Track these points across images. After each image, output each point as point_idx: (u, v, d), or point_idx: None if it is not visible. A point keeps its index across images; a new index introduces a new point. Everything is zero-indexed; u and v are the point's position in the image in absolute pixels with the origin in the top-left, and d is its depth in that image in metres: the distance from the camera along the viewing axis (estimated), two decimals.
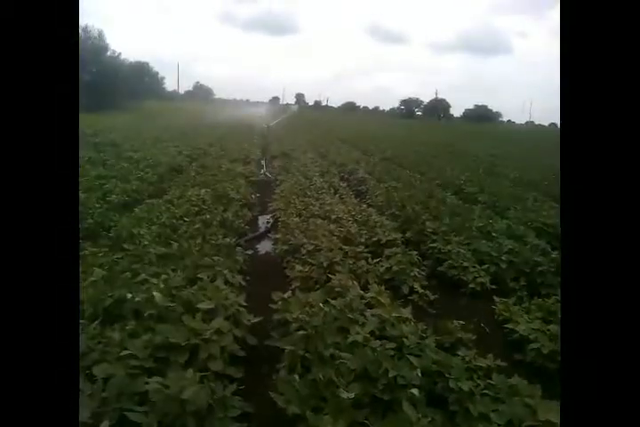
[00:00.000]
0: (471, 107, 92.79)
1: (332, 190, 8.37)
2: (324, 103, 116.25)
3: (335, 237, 5.22)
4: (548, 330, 3.29)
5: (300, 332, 2.96)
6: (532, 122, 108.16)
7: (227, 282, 3.85)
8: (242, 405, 2.48)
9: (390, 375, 2.46)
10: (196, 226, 5.32)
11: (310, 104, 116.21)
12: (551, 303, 3.78)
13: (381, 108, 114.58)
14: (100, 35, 36.49)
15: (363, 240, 5.40)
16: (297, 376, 2.54)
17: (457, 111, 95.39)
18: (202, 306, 3.16)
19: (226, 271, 4.02)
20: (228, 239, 5.00)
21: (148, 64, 54.83)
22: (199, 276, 3.84)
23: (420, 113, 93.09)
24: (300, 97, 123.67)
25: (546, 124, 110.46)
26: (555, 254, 4.87)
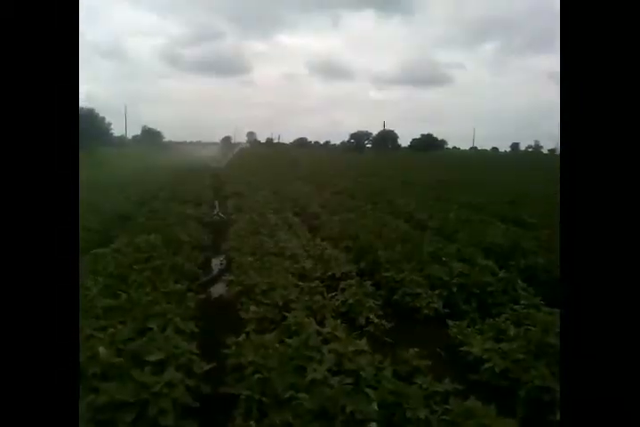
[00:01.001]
0: (418, 136, 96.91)
1: (286, 226, 8.40)
2: (275, 140, 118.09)
3: (290, 274, 5.21)
4: (499, 348, 3.38)
5: (256, 375, 2.90)
6: (476, 147, 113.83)
7: (178, 330, 3.73)
8: None
9: (348, 411, 2.45)
10: (146, 273, 5.18)
11: (262, 142, 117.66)
12: (502, 322, 3.90)
13: (332, 142, 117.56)
14: None
15: (318, 275, 5.41)
16: (253, 423, 2.47)
17: (405, 141, 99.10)
18: (151, 358, 3.05)
19: (177, 319, 3.91)
20: (179, 285, 4.89)
21: (93, 110, 54.10)
22: (149, 326, 3.71)
23: (369, 145, 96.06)
24: (251, 135, 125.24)
25: (488, 148, 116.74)
26: (502, 273, 5.07)
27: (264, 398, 2.70)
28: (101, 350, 3.02)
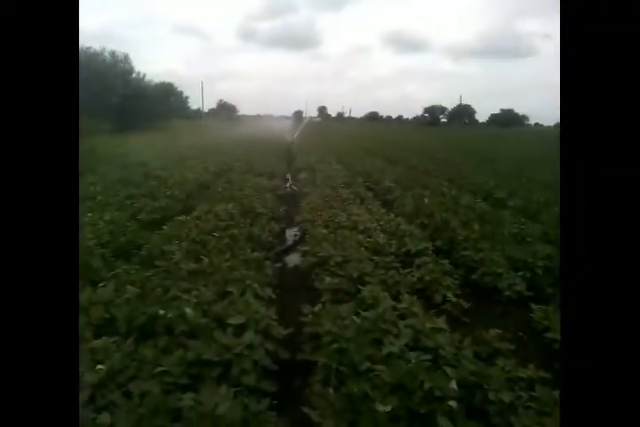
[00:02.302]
0: (497, 111, 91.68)
1: (359, 201, 8.34)
2: (346, 114, 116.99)
3: (364, 248, 5.18)
4: None
5: (333, 345, 2.94)
6: None
7: (256, 295, 3.86)
8: (276, 420, 2.46)
9: (426, 387, 2.41)
10: (225, 241, 5.39)
11: (333, 116, 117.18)
12: None
13: (405, 117, 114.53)
14: (126, 58, 37.83)
15: (392, 250, 5.33)
16: (331, 390, 2.51)
17: (482, 117, 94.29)
18: (232, 321, 3.18)
19: (255, 285, 4.04)
20: (256, 253, 5.04)
21: (172, 84, 56.37)
22: (229, 290, 3.87)
23: (444, 120, 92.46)
24: (322, 109, 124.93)
25: None
26: None
27: (341, 368, 2.73)
28: (188, 310, 3.20)
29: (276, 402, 2.57)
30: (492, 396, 2.44)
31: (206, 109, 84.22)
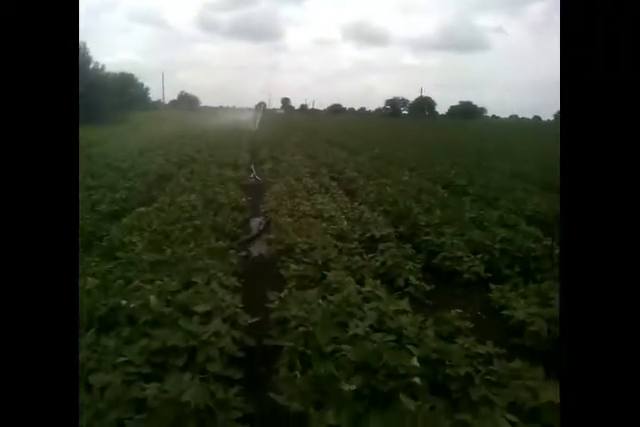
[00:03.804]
0: (456, 103, 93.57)
1: (323, 190, 8.35)
2: (310, 106, 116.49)
3: (328, 235, 5.20)
4: (545, 314, 3.28)
5: (300, 329, 2.94)
6: (516, 115, 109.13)
7: (222, 284, 3.80)
8: (244, 406, 2.44)
9: (391, 366, 2.44)
10: (188, 231, 5.27)
11: (297, 108, 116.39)
12: (546, 287, 3.78)
13: (367, 109, 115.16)
14: (84, 48, 36.19)
15: (356, 237, 5.38)
16: (297, 373, 2.51)
17: (442, 109, 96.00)
18: (198, 309, 3.12)
19: (220, 274, 3.98)
20: (220, 242, 4.96)
21: (132, 75, 54.48)
22: (194, 280, 3.79)
23: (406, 112, 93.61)
24: (285, 101, 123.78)
25: (529, 117, 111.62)
26: (547, 241, 4.88)
27: (307, 351, 2.73)
28: (152, 298, 3.11)
29: (242, 388, 2.56)
30: (452, 371, 2.51)
31: (167, 101, 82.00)
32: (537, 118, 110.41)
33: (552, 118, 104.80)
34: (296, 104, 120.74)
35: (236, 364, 2.82)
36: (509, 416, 2.16)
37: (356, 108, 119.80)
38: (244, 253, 5.20)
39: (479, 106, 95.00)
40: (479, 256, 4.59)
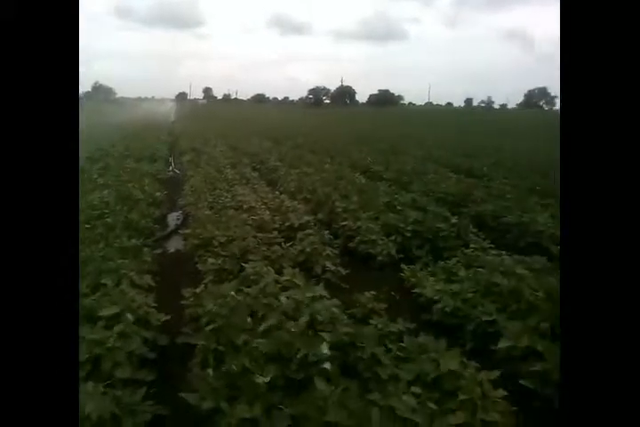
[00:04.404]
0: (375, 92, 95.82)
1: (244, 181, 8.18)
2: (233, 96, 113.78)
3: (248, 226, 5.09)
4: (451, 289, 3.45)
5: (212, 324, 2.84)
6: (431, 103, 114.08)
7: (134, 284, 3.59)
8: (155, 408, 2.32)
9: (302, 354, 2.43)
10: (99, 230, 4.92)
11: (219, 98, 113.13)
12: (452, 264, 3.98)
13: (291, 99, 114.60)
14: None
15: (276, 226, 5.32)
16: (210, 370, 2.42)
17: (363, 97, 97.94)
18: (104, 313, 2.92)
19: (132, 273, 3.76)
20: (134, 240, 4.68)
21: None
22: (103, 282, 3.54)
23: (328, 101, 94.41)
24: (207, 91, 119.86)
25: (443, 103, 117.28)
26: (454, 219, 5.15)
27: (220, 347, 2.65)
28: None
29: (155, 390, 2.43)
30: (364, 352, 2.55)
31: (80, 93, 76.08)
32: (449, 105, 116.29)
33: (463, 104, 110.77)
34: (219, 94, 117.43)
35: (149, 366, 2.68)
36: (414, 389, 2.24)
37: (279, 98, 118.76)
38: (159, 250, 4.95)
39: (397, 94, 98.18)
40: (392, 238, 4.73)
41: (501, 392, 2.28)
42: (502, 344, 2.76)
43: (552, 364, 2.49)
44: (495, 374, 2.37)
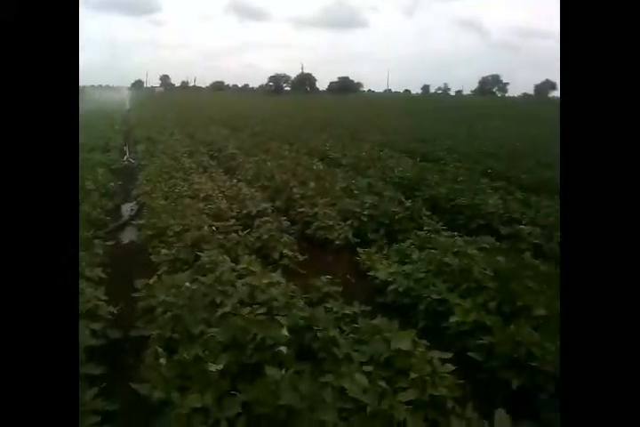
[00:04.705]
0: (335, 79, 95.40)
1: (201, 169, 7.96)
2: (191, 84, 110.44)
3: (204, 215, 4.97)
4: (404, 271, 3.50)
5: (166, 314, 2.76)
6: (390, 89, 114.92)
7: (83, 277, 3.44)
8: (104, 404, 2.23)
9: (258, 339, 2.40)
10: None
11: (177, 86, 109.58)
12: (406, 247, 4.03)
13: (251, 86, 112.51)
14: None
15: (234, 214, 5.22)
16: (162, 360, 2.35)
17: (323, 85, 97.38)
18: None
19: (82, 266, 3.59)
20: (84, 232, 4.48)
21: None
22: None
23: (288, 88, 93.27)
24: (165, 79, 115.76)
25: (401, 90, 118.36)
26: (408, 203, 5.21)
27: (175, 336, 2.58)
28: None
29: (104, 385, 2.34)
30: (319, 335, 2.55)
31: None
32: (407, 92, 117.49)
33: (420, 91, 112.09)
34: (176, 82, 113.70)
35: (97, 359, 2.58)
36: (366, 368, 2.26)
37: (239, 85, 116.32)
38: (112, 242, 4.76)
39: (356, 81, 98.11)
40: (349, 223, 4.74)
41: (449, 367, 2.34)
42: (452, 320, 2.83)
43: (498, 338, 2.57)
44: (445, 354, 2.42)
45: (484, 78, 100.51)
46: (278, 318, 2.70)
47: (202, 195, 5.92)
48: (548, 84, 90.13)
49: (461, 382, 2.31)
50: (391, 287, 3.37)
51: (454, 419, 2.02)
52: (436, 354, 2.41)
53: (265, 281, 3.29)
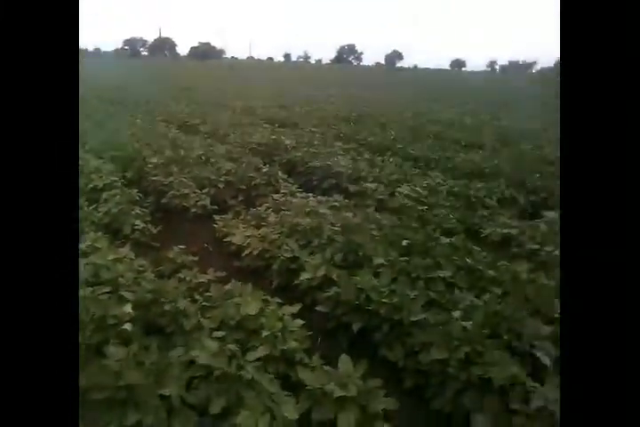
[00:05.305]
0: (196, 45, 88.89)
1: None
2: None
3: None
4: (259, 234, 3.45)
5: None
6: (252, 57, 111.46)
7: None
8: None
9: (96, 317, 2.16)
10: None
11: None
12: (263, 211, 3.98)
13: (104, 50, 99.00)
14: None
15: None
16: None
17: (184, 50, 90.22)
18: None
19: None
20: None
21: None
22: None
23: (145, 53, 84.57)
24: None
25: (264, 58, 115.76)
26: (266, 168, 5.13)
27: None
28: None
29: None
30: (167, 307, 2.38)
31: None
32: (270, 59, 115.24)
33: (282, 59, 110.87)
34: None
35: None
36: (216, 333, 2.19)
37: (90, 49, 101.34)
38: None
39: (218, 48, 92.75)
40: (205, 191, 4.50)
41: (299, 322, 2.38)
42: (302, 277, 2.89)
43: (343, 288, 2.68)
44: (295, 308, 2.45)
45: (341, 47, 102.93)
46: (124, 293, 2.46)
47: None
48: (395, 55, 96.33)
49: (310, 333, 2.39)
50: (246, 251, 3.31)
51: (301, 369, 2.07)
52: (287, 310, 2.44)
53: (111, 258, 2.97)
